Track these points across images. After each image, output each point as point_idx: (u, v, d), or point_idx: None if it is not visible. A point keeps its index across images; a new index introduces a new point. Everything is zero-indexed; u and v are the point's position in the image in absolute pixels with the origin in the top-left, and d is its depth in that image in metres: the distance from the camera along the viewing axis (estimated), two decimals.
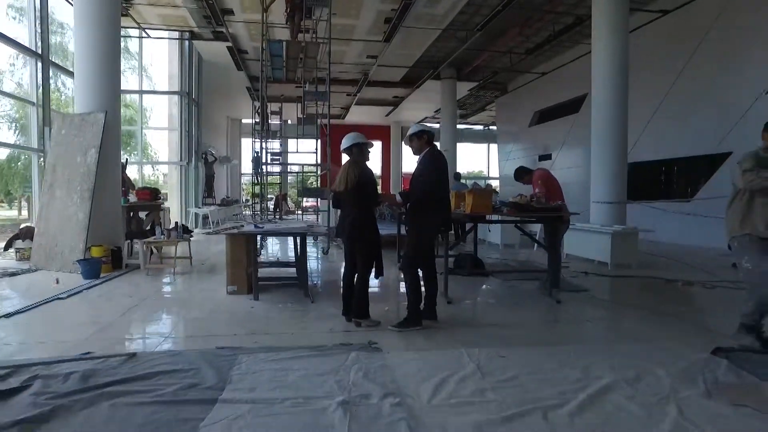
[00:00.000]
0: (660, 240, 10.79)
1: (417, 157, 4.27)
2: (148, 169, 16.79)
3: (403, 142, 26.96)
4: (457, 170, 15.63)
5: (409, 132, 4.26)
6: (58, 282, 5.80)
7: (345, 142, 4.21)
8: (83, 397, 2.52)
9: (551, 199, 5.37)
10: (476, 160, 33.01)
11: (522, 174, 6.15)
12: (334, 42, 10.44)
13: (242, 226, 6.20)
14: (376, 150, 27.38)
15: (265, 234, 6.07)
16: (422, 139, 4.17)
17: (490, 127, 27.36)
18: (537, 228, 8.19)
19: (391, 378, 2.87)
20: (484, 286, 6.14)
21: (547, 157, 17.55)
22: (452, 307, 4.86)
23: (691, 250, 9.48)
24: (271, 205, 15.56)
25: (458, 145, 19.77)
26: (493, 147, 25.34)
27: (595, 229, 8.02)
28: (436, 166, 4.04)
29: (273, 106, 16.14)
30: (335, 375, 2.91)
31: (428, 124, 3.94)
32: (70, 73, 9.84)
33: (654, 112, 11.91)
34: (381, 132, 27.42)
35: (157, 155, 19.71)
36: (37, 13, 9.49)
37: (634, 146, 12.36)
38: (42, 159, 9.02)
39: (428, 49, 14.80)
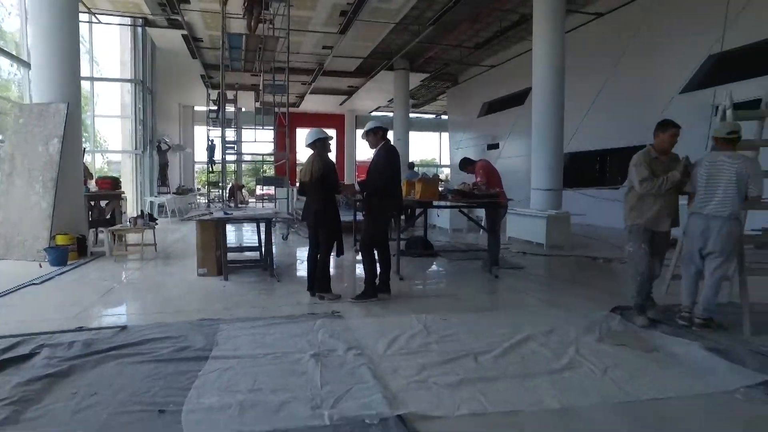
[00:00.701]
0: (595, 223, 11.85)
1: (373, 150, 4.84)
2: (98, 158, 16.52)
3: (357, 131, 27.51)
4: (411, 159, 16.34)
5: (366, 128, 4.81)
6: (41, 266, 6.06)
7: (308, 138, 4.73)
8: (91, 359, 2.96)
9: (490, 187, 6.08)
10: (429, 148, 33.87)
11: (466, 164, 6.85)
12: (290, 33, 10.79)
13: (211, 213, 6.56)
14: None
15: (235, 220, 6.47)
16: (377, 135, 4.73)
17: (442, 117, 28.19)
18: (483, 213, 8.99)
19: (352, 337, 3.46)
20: (432, 265, 6.82)
21: (495, 146, 18.51)
22: (404, 282, 5.50)
23: (619, 232, 10.54)
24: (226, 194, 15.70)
25: (411, 133, 20.44)
26: (445, 136, 26.19)
27: (533, 214, 8.88)
28: (390, 159, 4.63)
29: (228, 95, 16.19)
30: (305, 336, 3.46)
31: (382, 120, 4.39)
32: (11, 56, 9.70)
33: (590, 106, 12.96)
34: (336, 120, 27.78)
35: (106, 143, 19.31)
36: None
37: (573, 137, 13.46)
38: None
39: (382, 41, 15.29)
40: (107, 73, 15.15)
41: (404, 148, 18.83)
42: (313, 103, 24.29)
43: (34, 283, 5.21)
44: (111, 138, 15.88)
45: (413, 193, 5.84)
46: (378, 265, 4.73)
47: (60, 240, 6.76)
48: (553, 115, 9.75)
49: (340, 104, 24.93)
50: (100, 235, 8.01)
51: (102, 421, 2.22)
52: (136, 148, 14.15)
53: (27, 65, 9.04)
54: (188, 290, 5.08)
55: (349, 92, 22.42)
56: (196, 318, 3.93)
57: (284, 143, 11.37)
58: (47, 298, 4.73)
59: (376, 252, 4.71)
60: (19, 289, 4.92)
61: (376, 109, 26.91)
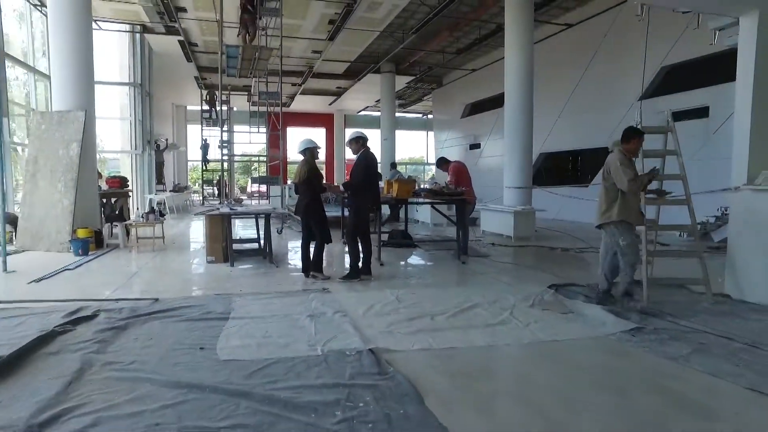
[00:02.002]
0: (565, 218, 12.90)
1: (355, 156, 5.81)
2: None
3: (346, 130, 28.42)
4: (398, 158, 17.33)
5: (348, 138, 5.81)
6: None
7: (300, 146, 5.72)
8: (139, 319, 3.90)
9: (459, 186, 7.06)
10: (416, 147, 34.85)
11: (442, 163, 7.89)
12: (284, 37, 11.67)
13: (218, 209, 7.47)
14: (320, 136, 28.65)
15: (238, 215, 7.41)
16: (358, 143, 5.71)
17: (429, 116, 29.17)
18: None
19: (339, 305, 4.42)
20: (410, 254, 7.80)
21: (477, 146, 19.52)
22: (384, 267, 6.48)
23: (587, 226, 11.59)
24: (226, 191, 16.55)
25: (400, 132, 21.40)
26: (432, 135, 27.20)
27: (502, 209, 9.89)
28: (367, 163, 5.65)
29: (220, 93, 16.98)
30: (302, 305, 4.43)
31: (362, 130, 5.20)
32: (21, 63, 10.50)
33: (561, 109, 14.01)
34: (325, 119, 28.67)
35: (102, 144, 19.99)
36: None
37: (546, 139, 14.54)
38: None
39: (369, 46, 16.22)
40: (107, 76, 15.90)
41: (391, 147, 19.84)
42: (303, 103, 25.14)
43: (68, 269, 6.11)
44: (108, 138, 16.54)
45: (392, 191, 6.80)
46: (361, 251, 5.69)
47: (81, 233, 7.62)
48: (523, 120, 10.74)
49: (330, 104, 25.78)
50: (114, 229, 8.87)
51: (162, 353, 3.16)
52: (135, 148, 14.94)
53: (47, 77, 9.86)
54: (201, 274, 6.02)
55: (338, 93, 23.29)
56: (212, 293, 4.87)
57: (278, 143, 12.28)
58: (84, 279, 5.64)
59: (359, 240, 5.68)
60: (59, 272, 5.84)
61: (364, 109, 27.84)
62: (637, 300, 4.46)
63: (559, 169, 15.44)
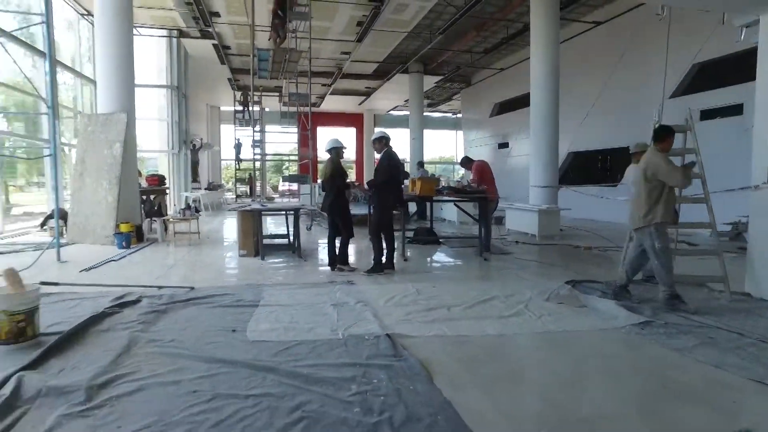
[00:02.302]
0: (595, 218, 12.83)
1: (378, 155, 6.06)
2: None
3: (375, 129, 28.72)
4: (423, 158, 17.51)
5: (372, 138, 6.05)
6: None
7: (326, 146, 6.00)
8: (177, 305, 4.25)
9: (481, 184, 7.22)
10: (446, 146, 34.85)
11: (466, 162, 8.08)
12: (313, 39, 12.04)
13: (249, 205, 7.84)
14: (350, 136, 29.08)
15: (270, 211, 7.79)
16: (381, 142, 5.95)
17: (458, 115, 29.19)
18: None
19: (361, 296, 4.68)
20: (434, 250, 7.99)
21: (505, 145, 19.51)
22: (408, 262, 6.70)
23: (616, 226, 11.53)
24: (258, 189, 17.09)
25: (430, 131, 21.53)
26: (461, 134, 27.22)
27: (527, 208, 9.96)
28: (390, 162, 5.87)
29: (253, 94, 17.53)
30: (327, 295, 4.70)
31: (385, 130, 5.45)
32: (70, 68, 11.16)
33: (590, 108, 13.91)
34: (355, 119, 29.04)
35: (141, 144, 20.87)
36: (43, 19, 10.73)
37: (576, 138, 14.46)
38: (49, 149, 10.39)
39: (397, 47, 16.45)
40: (145, 79, 16.63)
41: (419, 146, 20.03)
42: (333, 103, 25.56)
43: (113, 260, 6.58)
44: (146, 138, 17.26)
45: (415, 189, 7.01)
46: (384, 246, 5.94)
47: (123, 228, 8.11)
48: (549, 119, 10.78)
49: (359, 104, 26.12)
50: (153, 225, 9.39)
51: (198, 334, 3.48)
52: (172, 148, 15.60)
53: (93, 82, 10.49)
54: (233, 266, 6.39)
55: (367, 93, 23.61)
56: (244, 283, 5.21)
57: (308, 142, 12.67)
58: (127, 269, 6.07)
59: (382, 236, 5.93)
60: (105, 263, 6.31)
61: (393, 109, 28.07)
62: (686, 302, 4.35)
63: (588, 168, 15.30)
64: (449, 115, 31.13)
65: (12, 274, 3.21)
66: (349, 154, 29.28)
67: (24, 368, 2.69)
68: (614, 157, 14.31)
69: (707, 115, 10.99)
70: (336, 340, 3.40)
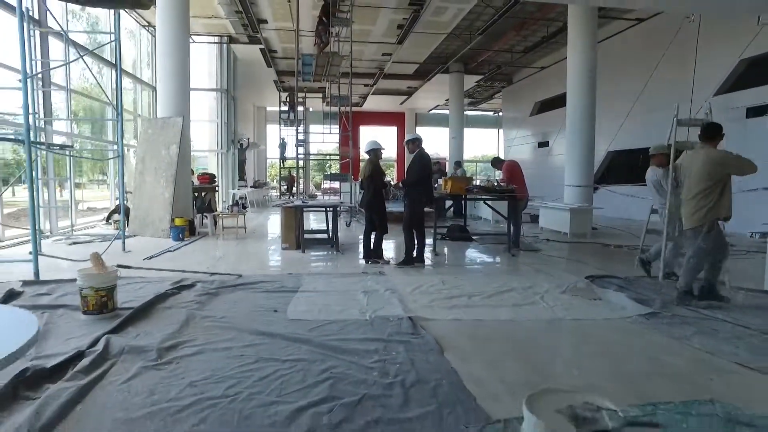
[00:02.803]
0: (633, 217, 12.76)
1: (412, 155, 6.48)
2: None
3: (417, 128, 29.13)
4: (463, 157, 17.78)
5: (405, 140, 6.46)
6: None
7: (366, 147, 6.48)
8: (227, 289, 4.83)
9: (511, 183, 7.51)
10: (488, 144, 34.72)
11: (496, 163, 8.38)
12: (354, 41, 12.57)
13: (292, 202, 8.44)
14: (391, 135, 29.55)
15: (310, 207, 8.38)
16: (415, 144, 6.36)
17: (500, 114, 29.12)
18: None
19: (390, 284, 5.12)
20: (466, 247, 8.34)
21: (545, 144, 19.45)
22: (438, 257, 7.11)
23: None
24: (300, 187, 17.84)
25: (473, 130, 21.77)
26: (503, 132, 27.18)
27: (559, 207, 10.13)
28: (422, 163, 6.27)
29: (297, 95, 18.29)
30: (359, 284, 5.18)
31: (419, 131, 5.83)
32: (130, 74, 12.14)
33: (631, 107, 13.78)
34: (397, 118, 29.47)
35: (193, 143, 22.11)
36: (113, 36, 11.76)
37: (616, 137, 14.35)
38: (113, 150, 11.39)
39: (437, 48, 16.77)
40: (197, 83, 17.68)
41: (458, 145, 20.28)
42: (375, 103, 26.10)
43: (170, 251, 7.31)
44: (197, 138, 18.38)
45: (447, 188, 7.39)
46: (416, 241, 6.36)
47: (178, 222, 8.88)
48: (585, 119, 10.87)
49: (401, 103, 26.55)
50: (204, 220, 10.17)
51: (245, 313, 4.03)
52: (220, 148, 16.55)
53: (150, 87, 11.42)
54: (276, 257, 6.98)
55: (409, 92, 24.02)
56: (285, 273, 5.76)
57: (348, 142, 13.23)
58: (183, 258, 6.77)
59: (414, 231, 6.35)
60: (163, 253, 7.04)
61: (435, 108, 28.33)
62: (725, 298, 4.50)
63: (628, 167, 15.12)
64: (490, 113, 31.05)
65: (97, 258, 3.86)
66: (391, 152, 29.83)
67: (109, 332, 3.31)
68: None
69: (755, 112, 10.77)
70: (363, 320, 3.87)
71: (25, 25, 5.61)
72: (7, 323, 1.44)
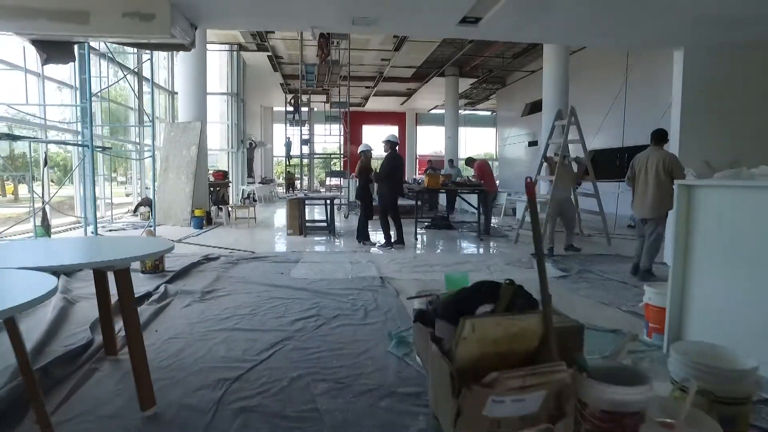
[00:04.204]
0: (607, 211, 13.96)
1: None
2: None
3: (417, 127, 30.47)
4: (455, 156, 19.08)
5: (383, 140, 7.77)
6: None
7: (360, 148, 7.96)
8: (244, 260, 6.22)
9: (480, 179, 8.85)
10: (486, 143, 35.93)
11: (469, 162, 9.73)
12: (353, 49, 13.87)
13: (296, 195, 9.81)
14: (393, 134, 30.68)
15: (310, 199, 9.75)
16: (389, 145, 7.68)
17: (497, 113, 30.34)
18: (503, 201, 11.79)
19: (371, 259, 6.49)
20: (446, 234, 9.66)
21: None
22: (417, 240, 8.44)
23: (621, 218, 12.73)
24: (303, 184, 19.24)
25: (471, 129, 23.08)
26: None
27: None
28: (391, 162, 7.59)
29: (302, 97, 19.58)
30: (348, 258, 6.55)
31: (394, 134, 6.98)
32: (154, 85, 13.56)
33: (608, 109, 15.05)
34: (398, 118, 30.69)
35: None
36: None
37: (594, 138, 15.61)
38: (136, 151, 12.82)
39: (432, 53, 18.04)
40: (210, 88, 19.06)
41: (453, 145, 21.60)
42: (377, 103, 27.39)
43: (192, 236, 8.69)
44: (209, 138, 19.77)
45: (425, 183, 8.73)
46: (393, 227, 7.68)
47: (197, 213, 10.26)
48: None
49: (401, 104, 27.83)
50: (219, 211, 11.57)
51: (260, 274, 5.41)
52: (231, 147, 17.93)
53: (167, 91, 12.81)
54: (282, 241, 8.36)
55: (408, 94, 25.31)
56: (290, 251, 7.13)
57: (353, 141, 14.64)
58: (205, 242, 8.13)
59: (391, 219, 7.67)
60: (188, 238, 8.42)
61: (434, 108, 29.59)
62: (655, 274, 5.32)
63: (607, 165, 16.39)
64: (489, 113, 32.27)
65: (150, 233, 5.24)
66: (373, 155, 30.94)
67: (165, 283, 4.70)
68: (630, 155, 15.35)
69: None
70: (346, 279, 5.23)
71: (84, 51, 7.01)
72: (31, 282, 1.73)
